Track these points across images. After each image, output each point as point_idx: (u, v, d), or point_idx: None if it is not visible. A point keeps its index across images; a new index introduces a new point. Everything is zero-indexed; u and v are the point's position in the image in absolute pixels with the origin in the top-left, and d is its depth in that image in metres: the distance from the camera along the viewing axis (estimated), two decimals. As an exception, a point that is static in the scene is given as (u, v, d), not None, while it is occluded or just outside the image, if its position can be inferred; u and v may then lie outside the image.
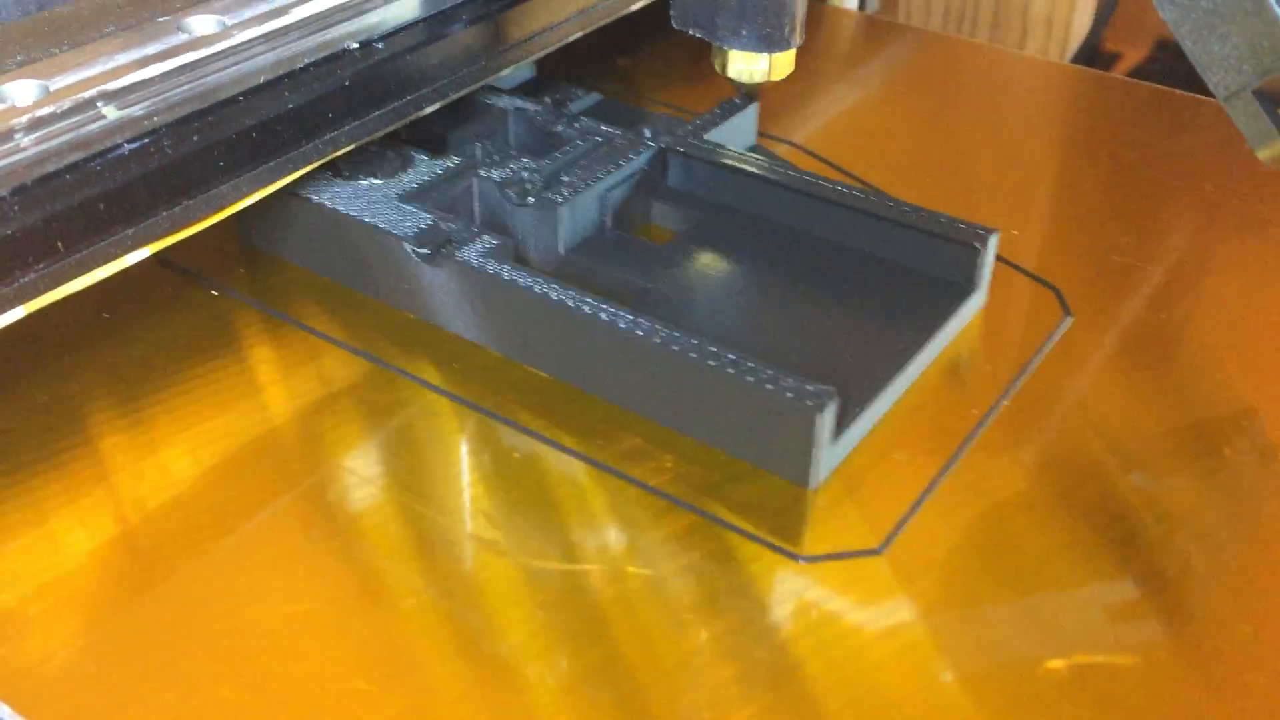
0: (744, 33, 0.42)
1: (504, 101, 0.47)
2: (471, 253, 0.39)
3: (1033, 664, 0.29)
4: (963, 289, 0.40)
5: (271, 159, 0.40)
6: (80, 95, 0.37)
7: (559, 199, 0.41)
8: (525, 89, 0.51)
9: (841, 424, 0.34)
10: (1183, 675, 0.29)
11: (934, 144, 0.51)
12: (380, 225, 0.40)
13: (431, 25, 0.44)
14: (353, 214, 0.41)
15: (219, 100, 0.39)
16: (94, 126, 0.37)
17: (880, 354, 0.37)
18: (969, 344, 0.40)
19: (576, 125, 0.46)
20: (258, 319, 0.40)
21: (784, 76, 0.44)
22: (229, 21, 0.40)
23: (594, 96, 0.50)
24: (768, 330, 0.39)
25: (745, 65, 0.43)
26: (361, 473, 0.34)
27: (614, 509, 0.33)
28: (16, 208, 0.35)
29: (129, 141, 0.37)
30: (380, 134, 0.43)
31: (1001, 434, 0.36)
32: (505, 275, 0.38)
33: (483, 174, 0.43)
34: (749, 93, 0.48)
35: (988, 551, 0.32)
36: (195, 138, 0.38)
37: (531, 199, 0.41)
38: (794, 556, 0.32)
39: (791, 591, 0.31)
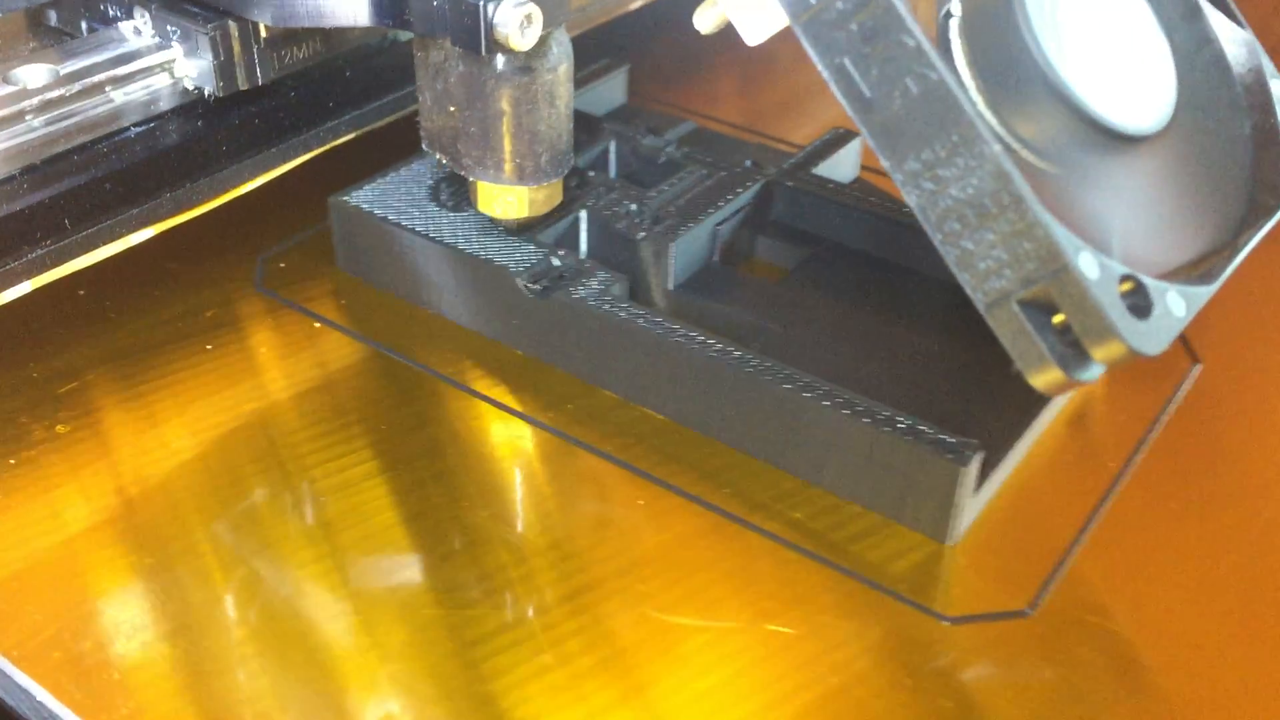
0: (489, 164, 0.37)
1: (605, 129, 0.46)
2: (586, 290, 0.38)
3: (1198, 738, 0.28)
4: (1089, 334, 0.39)
5: (274, 145, 0.41)
6: (89, 79, 0.38)
7: (670, 234, 0.40)
8: (619, 115, 0.50)
9: (981, 476, 0.33)
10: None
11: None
12: (490, 259, 0.39)
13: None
14: (460, 245, 0.40)
15: None
16: (101, 110, 0.38)
17: (1010, 402, 0.36)
18: (1096, 391, 0.38)
19: (680, 155, 0.45)
20: (360, 351, 0.39)
21: (547, 211, 0.39)
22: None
23: (688, 124, 0.49)
24: (888, 375, 0.37)
25: (499, 200, 0.38)
26: (478, 514, 0.33)
27: (747, 564, 0.32)
28: (26, 186, 0.36)
29: (135, 125, 0.39)
30: (382, 123, 0.43)
31: (1140, 488, 0.35)
32: (625, 314, 0.37)
33: (590, 206, 0.42)
34: (508, 230, 0.40)
35: (1140, 614, 0.31)
36: (199, 123, 0.40)
37: (643, 233, 0.40)
38: (939, 617, 0.31)
39: (940, 655, 0.30)
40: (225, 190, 0.41)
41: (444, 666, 0.29)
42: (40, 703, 0.28)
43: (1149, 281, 0.27)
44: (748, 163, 0.45)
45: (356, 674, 0.29)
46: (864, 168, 0.48)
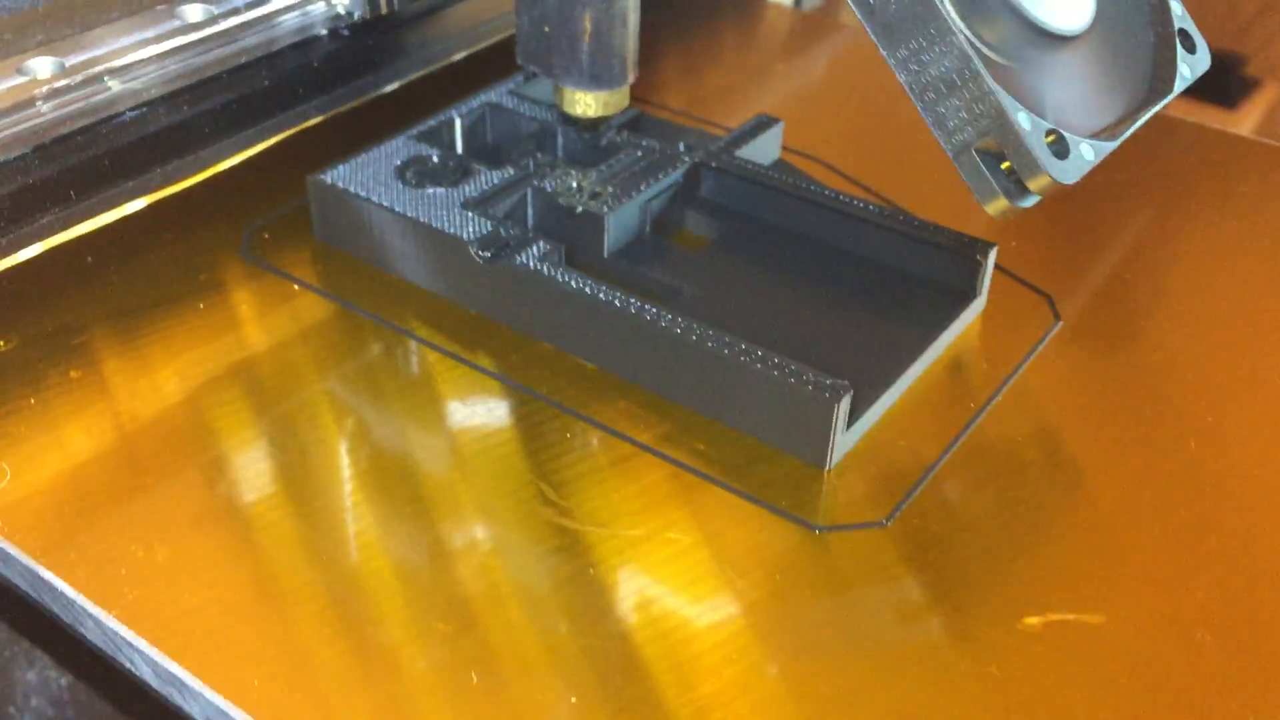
0: (575, 73, 0.47)
1: (553, 116, 0.52)
2: (528, 256, 0.44)
3: (1010, 618, 0.34)
4: (964, 295, 0.45)
5: (250, 127, 0.50)
6: (90, 71, 0.46)
7: (605, 208, 0.46)
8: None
9: (854, 413, 0.39)
10: (1140, 630, 0.34)
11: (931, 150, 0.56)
12: (447, 230, 0.45)
13: (392, 16, 0.54)
14: (421, 219, 0.46)
15: (206, 77, 0.49)
16: (101, 97, 0.46)
17: (889, 352, 0.42)
18: (969, 344, 0.44)
19: (619, 139, 0.51)
20: (332, 310, 0.45)
21: (619, 111, 0.48)
22: (216, 10, 0.49)
23: (632, 111, 0.55)
24: (790, 329, 0.43)
25: (580, 102, 0.47)
26: (424, 451, 0.39)
27: (655, 485, 0.38)
28: (36, 162, 0.44)
29: (130, 110, 0.47)
30: (345, 108, 0.52)
31: (995, 424, 0.41)
32: (559, 277, 0.43)
33: (536, 184, 0.48)
34: (586, 128, 0.50)
35: (975, 526, 0.37)
36: (185, 108, 0.48)
37: (581, 208, 0.46)
38: (811, 527, 0.37)
39: (808, 556, 0.36)
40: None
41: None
42: (68, 603, 0.34)
43: (1067, 135, 0.36)
44: (680, 145, 0.51)
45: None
46: (785, 148, 0.54)
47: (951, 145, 0.36)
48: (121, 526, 0.36)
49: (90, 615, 0.33)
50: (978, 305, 0.45)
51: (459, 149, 0.52)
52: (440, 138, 0.52)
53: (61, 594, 0.34)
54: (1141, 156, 0.55)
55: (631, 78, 0.48)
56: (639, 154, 0.50)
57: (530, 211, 0.48)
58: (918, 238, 0.46)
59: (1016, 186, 0.36)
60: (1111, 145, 0.38)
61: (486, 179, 0.48)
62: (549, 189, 0.47)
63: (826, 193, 0.48)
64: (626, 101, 0.49)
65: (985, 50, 0.36)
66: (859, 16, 0.36)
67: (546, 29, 0.46)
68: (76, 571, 0.35)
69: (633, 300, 0.42)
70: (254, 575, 0.35)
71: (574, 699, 0.32)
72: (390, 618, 0.34)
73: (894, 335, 0.43)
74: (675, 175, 0.49)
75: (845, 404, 0.38)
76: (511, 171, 0.49)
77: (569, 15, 0.46)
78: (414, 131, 0.51)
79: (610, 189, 0.47)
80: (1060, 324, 0.45)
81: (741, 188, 0.49)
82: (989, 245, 0.45)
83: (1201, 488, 0.39)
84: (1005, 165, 0.36)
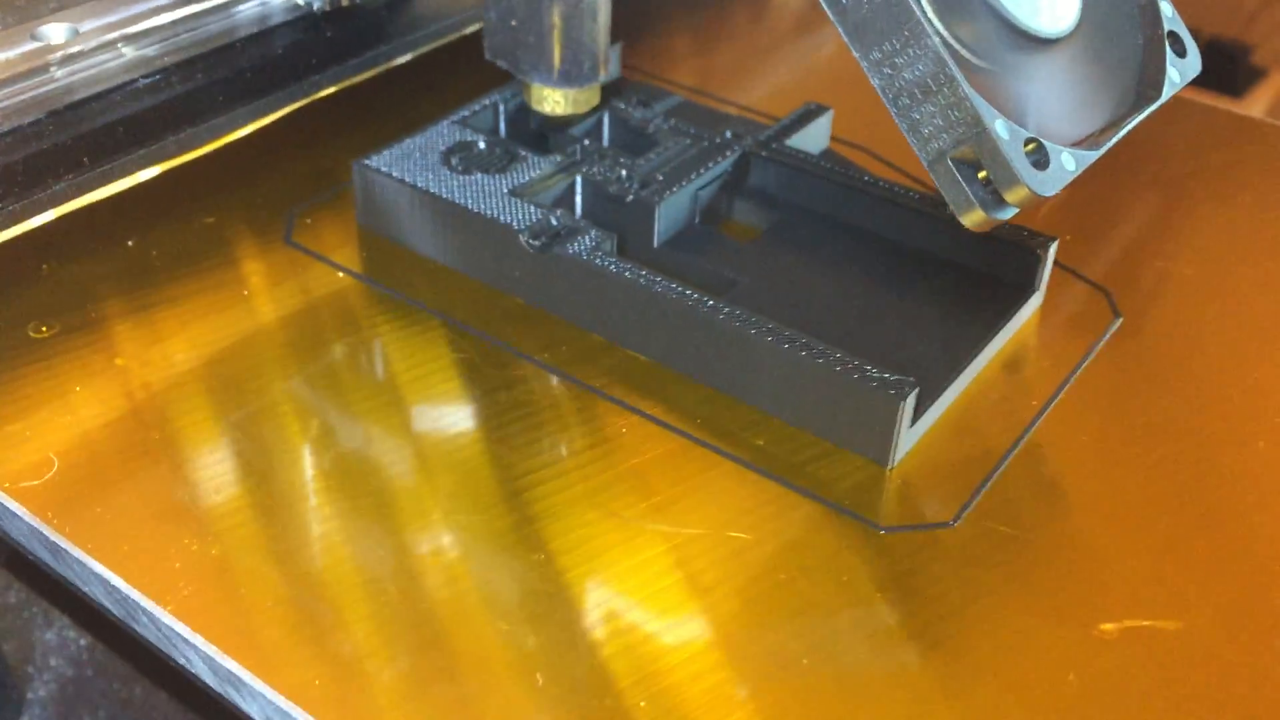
0: (543, 69, 0.45)
1: (600, 102, 0.51)
2: (580, 246, 0.43)
3: (1085, 624, 0.33)
4: (1023, 290, 0.44)
5: (263, 96, 0.49)
6: (104, 37, 0.46)
7: (656, 197, 0.45)
8: (613, 87, 0.55)
9: (917, 410, 0.38)
10: (1218, 637, 0.33)
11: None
12: (495, 217, 0.44)
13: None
14: (469, 205, 0.45)
15: (220, 45, 0.49)
16: (115, 64, 0.46)
17: (949, 347, 0.41)
18: (1028, 339, 0.44)
19: (667, 127, 0.50)
20: (377, 298, 0.45)
21: (589, 109, 0.47)
22: None
23: (676, 98, 0.54)
24: (845, 323, 0.43)
25: (549, 99, 0.46)
26: (463, 442, 0.39)
27: (713, 481, 0.38)
28: (50, 128, 0.44)
29: (144, 77, 0.47)
30: (358, 79, 0.52)
31: (1058, 423, 0.40)
32: (614, 268, 0.42)
33: (585, 171, 0.47)
34: (555, 125, 0.48)
35: (1045, 527, 0.36)
36: (199, 76, 0.48)
37: (631, 197, 0.45)
38: (875, 527, 0.36)
39: (873, 557, 0.35)
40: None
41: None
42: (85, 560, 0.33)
43: (1048, 144, 0.34)
44: (728, 134, 0.50)
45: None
46: (833, 138, 0.53)
47: (926, 153, 0.33)
48: (173, 519, 0.35)
49: (145, 611, 0.33)
50: (1036, 300, 0.45)
51: (503, 134, 0.51)
52: (484, 122, 0.51)
53: (116, 589, 0.33)
54: (1203, 149, 0.54)
55: (603, 75, 0.46)
56: (687, 142, 0.49)
57: (579, 199, 0.47)
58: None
59: (993, 198, 0.33)
60: (1094, 155, 0.35)
61: (533, 165, 0.47)
62: (598, 177, 0.46)
63: (881, 184, 0.47)
64: (598, 99, 0.48)
65: (964, 53, 0.34)
66: (830, 16, 0.34)
67: (514, 23, 0.45)
68: (129, 565, 0.34)
69: (690, 292, 0.41)
70: (317, 571, 0.34)
71: (643, 703, 0.31)
72: (468, 619, 0.33)
73: (953, 330, 0.42)
74: (725, 164, 0.48)
75: (911, 401, 0.37)
76: (558, 158, 0.48)
77: (536, 9, 0.44)
78: (458, 116, 0.50)
79: (660, 177, 0.46)
80: (1120, 320, 0.44)
81: (792, 177, 0.48)
82: (1049, 239, 0.44)
83: (1274, 489, 0.38)
84: (982, 175, 0.33)
